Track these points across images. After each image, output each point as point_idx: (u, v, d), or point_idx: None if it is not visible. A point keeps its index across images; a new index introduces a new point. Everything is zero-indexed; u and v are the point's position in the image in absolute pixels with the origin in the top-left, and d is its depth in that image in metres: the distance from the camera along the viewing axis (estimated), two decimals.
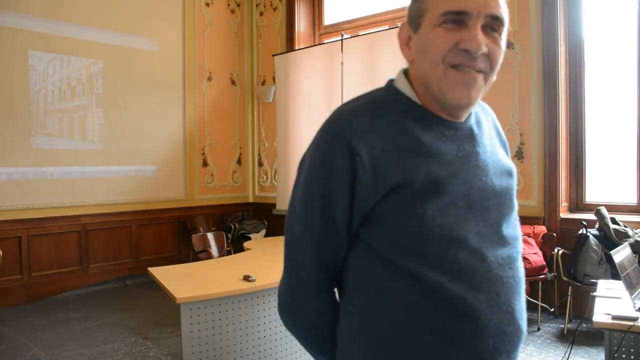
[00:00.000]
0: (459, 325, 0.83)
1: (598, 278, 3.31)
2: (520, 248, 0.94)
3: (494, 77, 0.89)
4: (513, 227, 0.93)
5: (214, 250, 4.30)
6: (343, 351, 0.92)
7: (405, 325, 0.84)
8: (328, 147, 0.86)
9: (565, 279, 3.84)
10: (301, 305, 0.94)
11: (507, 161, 0.97)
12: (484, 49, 0.83)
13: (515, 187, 0.96)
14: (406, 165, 0.83)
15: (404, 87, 0.92)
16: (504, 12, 0.85)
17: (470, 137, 0.91)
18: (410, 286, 0.83)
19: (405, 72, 0.95)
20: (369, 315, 0.87)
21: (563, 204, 4.33)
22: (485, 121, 0.99)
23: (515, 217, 0.96)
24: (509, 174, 0.95)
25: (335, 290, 0.98)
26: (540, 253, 3.96)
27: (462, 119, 0.92)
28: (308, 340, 0.98)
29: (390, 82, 0.95)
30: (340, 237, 0.89)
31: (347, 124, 0.86)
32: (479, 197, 0.87)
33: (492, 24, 0.84)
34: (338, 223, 0.88)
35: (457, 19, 0.83)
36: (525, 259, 3.83)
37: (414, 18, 0.88)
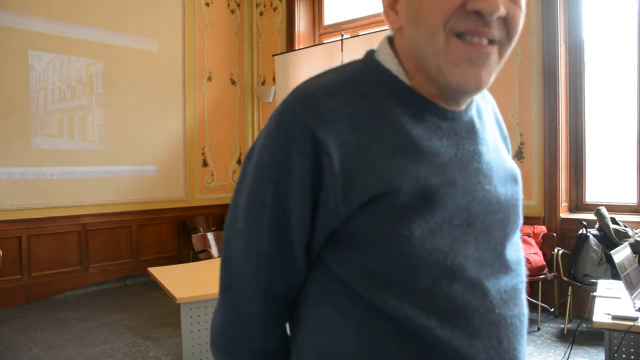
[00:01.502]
0: None
1: (598, 278, 3.32)
2: (525, 275, 0.74)
3: (510, 51, 0.66)
4: (516, 249, 0.72)
5: (214, 250, 4.30)
6: None
7: None
8: (284, 138, 0.62)
9: (565, 279, 3.84)
10: (240, 346, 0.71)
11: (511, 162, 0.75)
12: (502, 10, 0.61)
13: (521, 196, 0.74)
14: (390, 168, 0.62)
15: (388, 61, 0.69)
16: None
17: (471, 132, 0.70)
18: (387, 330, 0.62)
19: (390, 41, 0.72)
20: None
21: (563, 204, 4.33)
22: (485, 111, 0.77)
23: (518, 235, 0.75)
24: (514, 179, 0.73)
25: (287, 325, 0.75)
26: (540, 253, 3.96)
27: (463, 107, 0.70)
28: None
29: (371, 54, 0.72)
30: (296, 259, 0.66)
31: (312, 107, 0.62)
32: (481, 213, 0.66)
33: None
34: (294, 241, 0.65)
35: None
36: (525, 259, 3.82)
37: None
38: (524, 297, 0.72)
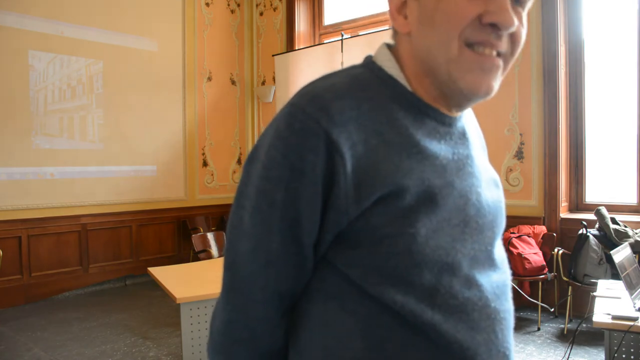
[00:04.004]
0: None
1: (598, 278, 3.32)
2: (510, 273, 0.77)
3: (511, 65, 0.71)
4: (501, 249, 0.76)
5: (214, 250, 4.30)
6: None
7: None
8: (296, 139, 0.63)
9: (565, 279, 3.84)
10: (242, 348, 0.71)
11: (492, 169, 0.81)
12: (516, 25, 0.66)
13: (504, 200, 0.79)
14: (397, 169, 0.64)
15: (390, 66, 0.71)
16: None
17: (463, 138, 0.73)
18: (394, 327, 0.64)
19: (389, 48, 0.74)
20: None
21: (563, 204, 4.33)
22: (470, 120, 0.80)
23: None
24: (497, 184, 0.78)
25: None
26: (540, 253, 3.96)
27: (458, 114, 0.73)
28: None
29: (370, 59, 0.74)
30: (305, 260, 0.67)
31: (323, 109, 0.63)
32: (475, 214, 0.69)
33: None
34: (304, 241, 0.66)
35: None
36: (525, 259, 3.83)
37: None
38: (511, 293, 0.75)
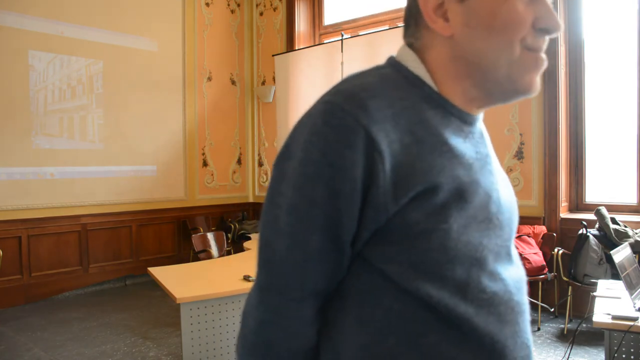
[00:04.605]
0: None
1: (598, 278, 3.32)
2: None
3: None
4: (514, 246, 0.79)
5: (214, 250, 4.30)
6: None
7: None
8: (335, 136, 0.63)
9: (565, 279, 3.84)
10: (277, 348, 0.71)
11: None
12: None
13: (516, 199, 0.82)
14: (431, 167, 0.65)
15: (415, 67, 0.72)
16: None
17: (481, 137, 0.76)
18: (429, 322, 0.65)
19: (411, 50, 0.75)
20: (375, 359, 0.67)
21: (563, 204, 4.33)
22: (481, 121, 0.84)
23: None
24: (509, 184, 0.81)
25: None
26: (540, 253, 3.96)
27: (480, 114, 0.76)
28: None
29: (395, 61, 0.75)
30: (343, 257, 0.67)
31: (362, 106, 0.64)
32: (496, 211, 0.71)
33: None
34: (343, 238, 0.66)
35: None
36: (525, 259, 3.83)
37: None
38: (526, 287, 0.77)
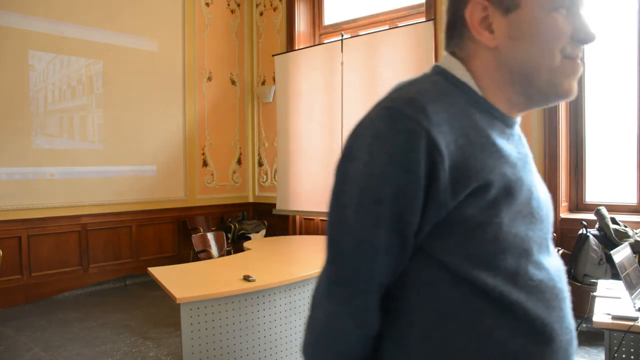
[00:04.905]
0: (536, 349, 0.73)
1: (598, 278, 3.32)
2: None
3: None
4: (551, 239, 0.85)
5: (214, 250, 4.30)
6: None
7: (477, 354, 0.71)
8: (399, 139, 0.69)
9: None
10: (347, 338, 0.76)
11: None
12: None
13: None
14: (483, 165, 0.72)
15: (462, 74, 0.79)
16: None
17: (519, 138, 0.83)
18: (484, 308, 0.71)
19: (454, 56, 0.83)
20: (433, 345, 0.73)
21: (563, 204, 4.33)
22: None
23: None
24: (542, 182, 0.87)
25: None
26: None
27: (519, 117, 0.84)
28: None
29: (442, 68, 0.82)
30: (406, 250, 0.73)
31: (422, 111, 0.70)
32: (537, 207, 0.78)
33: None
34: (407, 234, 0.72)
35: (569, 5, 0.76)
36: None
37: None
38: (565, 277, 0.83)
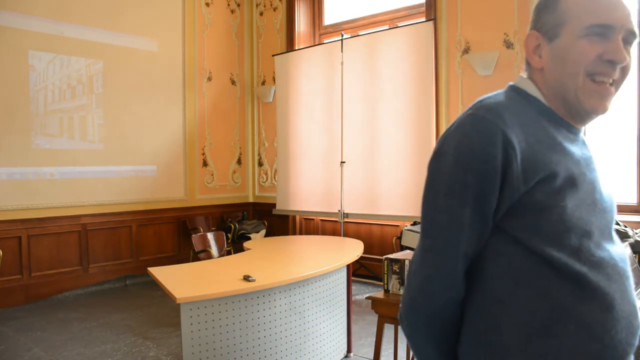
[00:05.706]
0: (598, 314, 0.86)
1: None
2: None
3: (621, 87, 0.97)
4: (614, 229, 0.99)
5: (214, 250, 4.30)
6: (472, 347, 0.92)
7: (546, 316, 0.86)
8: (481, 137, 0.88)
9: None
10: (437, 300, 0.92)
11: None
12: (627, 61, 0.92)
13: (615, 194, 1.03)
14: (549, 160, 0.88)
15: (533, 90, 0.99)
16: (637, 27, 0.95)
17: (584, 143, 1.00)
18: (552, 277, 0.86)
19: (527, 76, 1.02)
20: (507, 307, 0.88)
21: None
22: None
23: None
24: (610, 182, 1.02)
25: None
26: None
27: (582, 127, 1.00)
28: (435, 340, 0.96)
29: (516, 87, 1.01)
30: (486, 226, 0.90)
31: (499, 116, 0.89)
32: (599, 198, 0.93)
33: (629, 38, 0.93)
34: (488, 212, 0.89)
35: (601, 32, 0.91)
36: None
37: (550, 28, 0.95)
38: (630, 265, 0.98)
